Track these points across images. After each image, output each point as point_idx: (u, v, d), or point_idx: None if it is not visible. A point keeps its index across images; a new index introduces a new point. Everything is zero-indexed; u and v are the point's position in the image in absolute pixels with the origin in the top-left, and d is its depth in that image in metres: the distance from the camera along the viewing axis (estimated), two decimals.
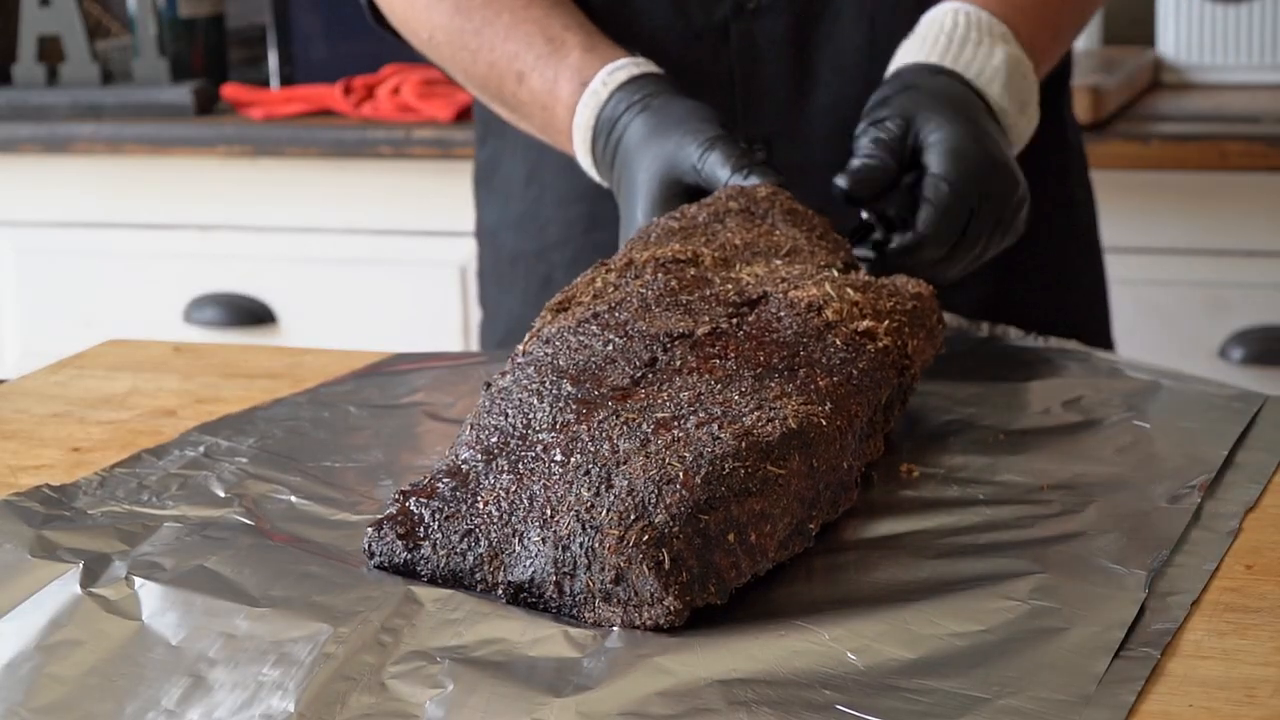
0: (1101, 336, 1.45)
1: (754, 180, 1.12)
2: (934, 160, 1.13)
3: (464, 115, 2.30)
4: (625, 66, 1.19)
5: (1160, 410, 1.06)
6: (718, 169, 1.12)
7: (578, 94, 1.20)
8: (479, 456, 0.85)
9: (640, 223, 1.14)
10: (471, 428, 0.87)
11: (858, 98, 1.28)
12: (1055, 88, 1.40)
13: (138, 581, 0.81)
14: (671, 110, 1.16)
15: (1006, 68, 1.19)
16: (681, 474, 0.79)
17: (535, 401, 0.87)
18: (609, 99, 1.18)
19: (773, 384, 0.88)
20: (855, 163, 1.13)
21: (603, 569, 0.78)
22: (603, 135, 1.19)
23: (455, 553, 0.82)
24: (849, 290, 0.97)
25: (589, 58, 1.21)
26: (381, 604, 0.79)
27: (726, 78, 1.31)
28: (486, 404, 0.89)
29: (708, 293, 0.96)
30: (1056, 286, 1.41)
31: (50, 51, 2.51)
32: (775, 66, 1.30)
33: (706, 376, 0.88)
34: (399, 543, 0.83)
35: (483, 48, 1.26)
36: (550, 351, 0.92)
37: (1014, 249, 1.35)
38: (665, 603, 0.77)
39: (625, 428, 0.84)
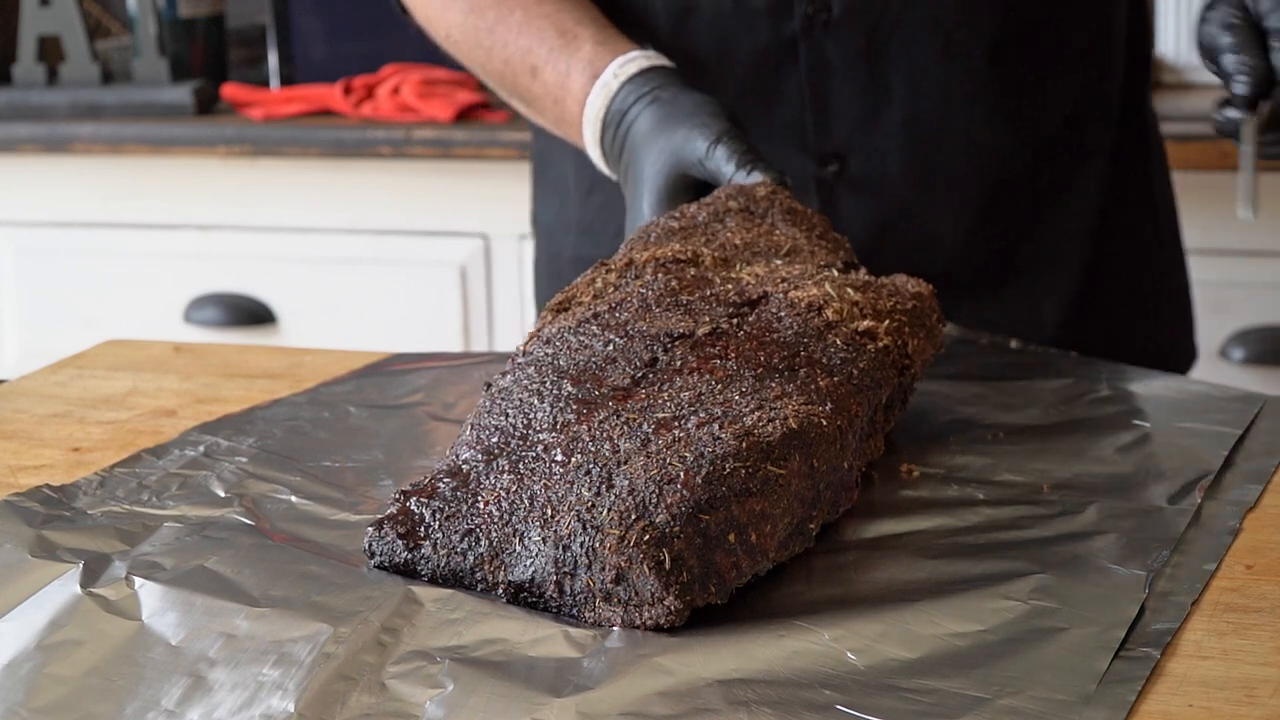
0: (1185, 348, 1.43)
1: (757, 177, 1.11)
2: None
3: (464, 115, 2.30)
4: (636, 59, 1.19)
5: (1160, 410, 1.06)
6: (723, 164, 1.12)
7: (589, 86, 1.20)
8: (479, 456, 0.85)
9: (646, 215, 1.14)
10: (472, 428, 0.87)
11: (934, 112, 1.28)
12: (1137, 75, 1.38)
13: (138, 581, 0.81)
14: (680, 103, 1.15)
15: None
16: (682, 474, 0.79)
17: (536, 401, 0.87)
18: (619, 91, 1.18)
19: (773, 384, 0.88)
20: (1238, 72, 1.08)
21: (603, 569, 0.78)
22: (612, 127, 1.19)
23: (455, 552, 0.82)
24: (849, 290, 0.97)
25: (601, 50, 1.21)
26: (381, 604, 0.79)
27: (796, 94, 1.30)
28: (487, 404, 0.89)
29: (708, 293, 0.96)
30: (1141, 295, 1.39)
31: (50, 51, 2.51)
32: (847, 83, 1.29)
33: (707, 376, 0.88)
34: (399, 542, 0.83)
35: (496, 45, 1.26)
36: (551, 352, 0.92)
37: (1094, 254, 1.33)
38: (666, 603, 0.77)
39: (626, 428, 0.84)
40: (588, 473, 0.81)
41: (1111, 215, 1.34)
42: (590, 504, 0.80)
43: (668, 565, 0.77)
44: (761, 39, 1.29)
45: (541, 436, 0.85)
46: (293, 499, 0.93)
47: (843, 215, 1.31)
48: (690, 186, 1.14)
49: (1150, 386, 1.11)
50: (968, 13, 1.28)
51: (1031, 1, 1.29)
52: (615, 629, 0.77)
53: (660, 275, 0.98)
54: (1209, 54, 1.11)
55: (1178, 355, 1.42)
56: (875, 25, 1.28)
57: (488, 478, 0.84)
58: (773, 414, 0.84)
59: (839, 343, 0.93)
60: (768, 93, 1.30)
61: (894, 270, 1.22)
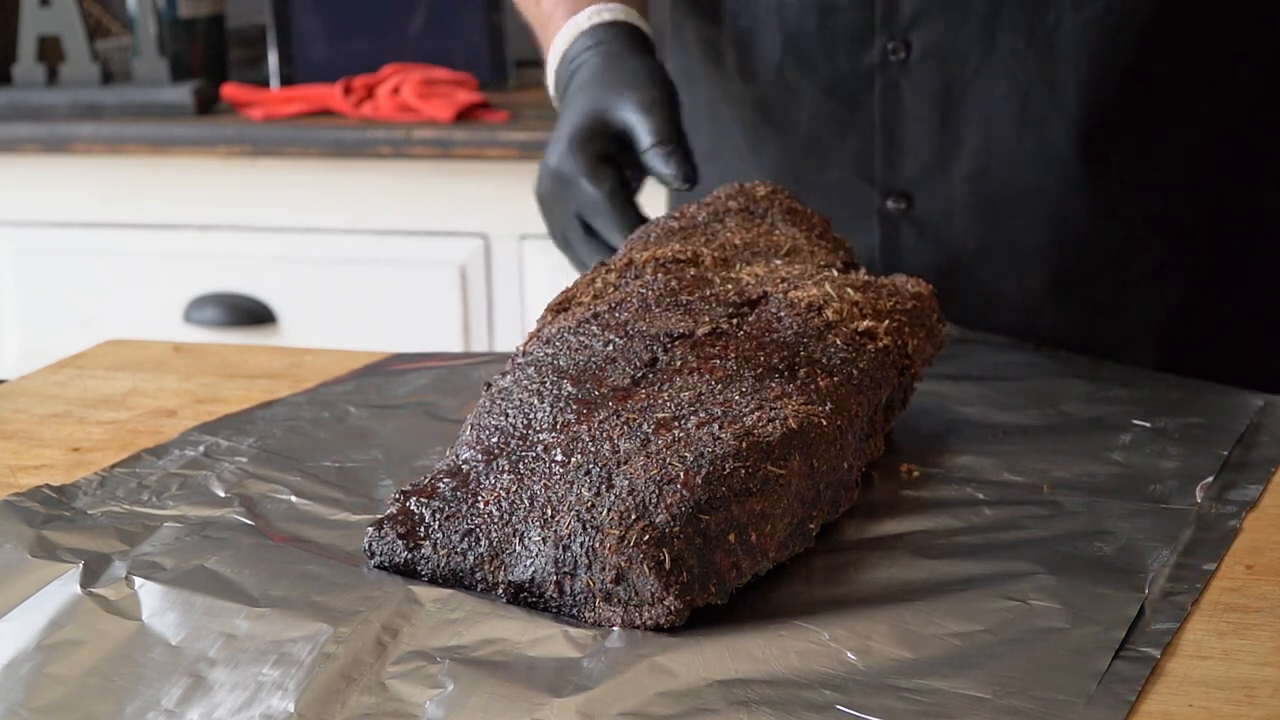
0: None
1: (673, 166, 1.14)
2: None
3: (464, 115, 2.30)
4: (612, 9, 1.23)
5: (1160, 410, 1.06)
6: (642, 131, 1.16)
7: (564, 21, 1.25)
8: (479, 456, 0.85)
9: (561, 149, 1.19)
10: (472, 428, 0.87)
11: (1005, 173, 1.25)
12: (1257, 155, 1.31)
13: (138, 581, 0.81)
14: (625, 61, 1.19)
15: None
16: (682, 474, 0.79)
17: (536, 402, 0.87)
18: (582, 34, 1.23)
19: (773, 384, 0.88)
20: None
21: (603, 569, 0.78)
22: (566, 64, 1.23)
23: (455, 552, 0.82)
24: (849, 290, 0.97)
25: None
26: (381, 604, 0.79)
27: (869, 126, 1.29)
28: (487, 404, 0.89)
29: (708, 293, 0.96)
30: (1223, 376, 1.29)
31: (50, 51, 2.51)
32: (919, 123, 1.28)
33: (707, 377, 0.88)
34: (399, 542, 0.83)
35: None
36: (551, 352, 0.92)
37: (1176, 338, 1.28)
38: (666, 603, 0.77)
39: (626, 428, 0.84)
40: (588, 473, 0.81)
41: (1203, 299, 1.29)
42: (590, 504, 0.80)
43: (668, 565, 0.77)
44: (840, 65, 1.29)
45: (541, 436, 0.85)
46: (293, 499, 0.93)
47: (906, 251, 1.30)
48: (607, 136, 1.17)
49: (1151, 386, 1.11)
50: (1049, 83, 1.24)
51: (1125, 87, 1.24)
52: (615, 629, 0.77)
53: (660, 275, 0.98)
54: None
55: None
56: (953, 73, 1.26)
57: (488, 478, 0.84)
58: (773, 414, 0.84)
59: (839, 343, 0.93)
60: (841, 119, 1.30)
61: (958, 315, 1.22)
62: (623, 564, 0.77)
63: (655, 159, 1.15)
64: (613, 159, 1.18)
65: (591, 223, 1.18)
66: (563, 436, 0.84)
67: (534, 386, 0.88)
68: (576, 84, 1.21)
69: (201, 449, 1.00)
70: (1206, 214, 1.28)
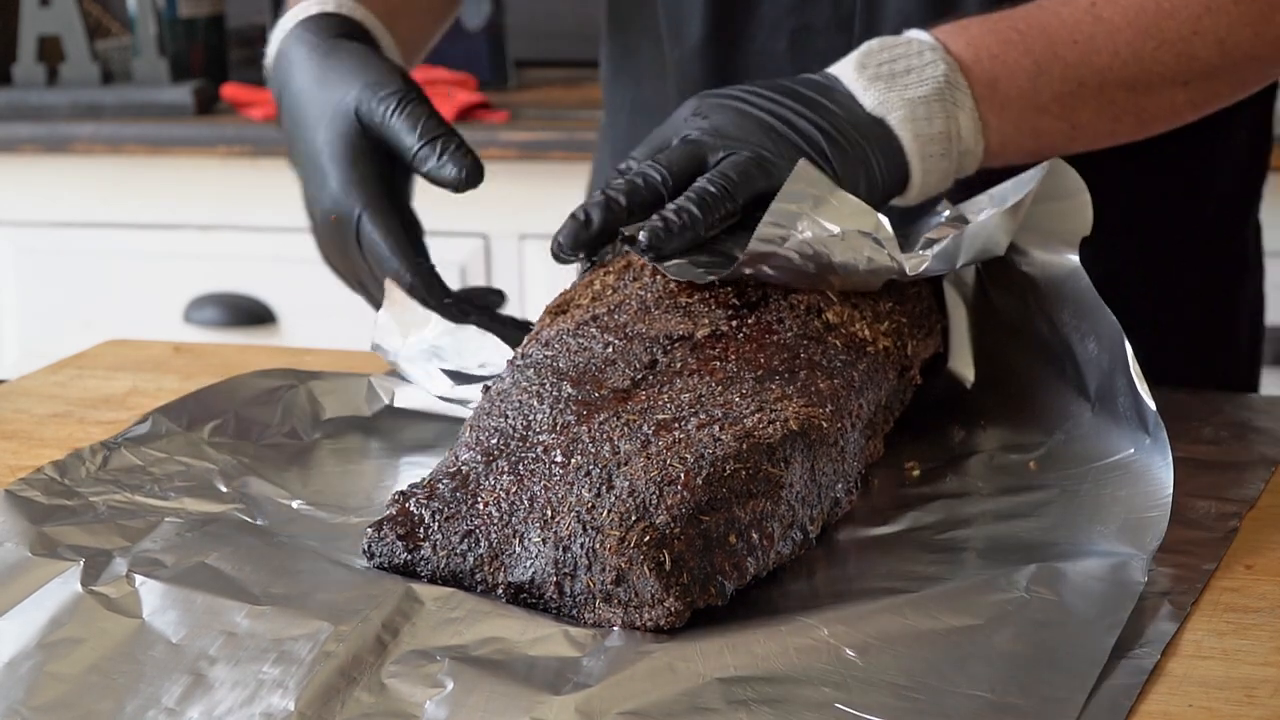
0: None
1: (450, 168, 1.07)
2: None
3: (464, 115, 2.30)
4: (337, 4, 1.13)
5: (1161, 407, 1.06)
6: (404, 134, 1.06)
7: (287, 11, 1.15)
8: (479, 457, 0.85)
9: (333, 189, 1.10)
10: (471, 429, 0.88)
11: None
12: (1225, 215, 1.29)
13: (138, 579, 0.81)
14: (343, 48, 1.09)
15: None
16: (682, 475, 0.79)
17: (535, 403, 0.87)
18: (295, 27, 1.12)
19: (773, 386, 0.88)
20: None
21: (603, 570, 0.78)
22: (279, 63, 1.13)
23: (455, 554, 0.82)
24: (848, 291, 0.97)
25: None
26: (382, 603, 0.79)
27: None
28: (487, 406, 0.89)
29: (707, 294, 0.96)
30: (1195, 347, 1.28)
31: (50, 51, 2.51)
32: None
33: (707, 378, 0.88)
34: (399, 544, 0.83)
35: None
36: (550, 354, 0.92)
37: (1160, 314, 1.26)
38: (666, 604, 0.77)
39: (626, 429, 0.84)
40: (588, 474, 0.81)
41: (1152, 311, 1.26)
42: (590, 505, 0.80)
43: (668, 566, 0.77)
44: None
45: (541, 438, 0.85)
46: (293, 499, 0.93)
47: None
48: (376, 147, 1.08)
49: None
50: None
51: None
52: (615, 628, 0.77)
53: (658, 277, 0.98)
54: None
55: None
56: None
57: (487, 479, 0.84)
58: (773, 415, 0.84)
59: (839, 345, 0.93)
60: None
61: None
62: (623, 565, 0.77)
63: (428, 161, 1.08)
64: (384, 178, 1.10)
65: (371, 266, 1.10)
66: (563, 438, 0.84)
67: (533, 388, 0.88)
68: (299, 90, 1.10)
69: (207, 433, 1.00)
70: (1142, 235, 1.27)
